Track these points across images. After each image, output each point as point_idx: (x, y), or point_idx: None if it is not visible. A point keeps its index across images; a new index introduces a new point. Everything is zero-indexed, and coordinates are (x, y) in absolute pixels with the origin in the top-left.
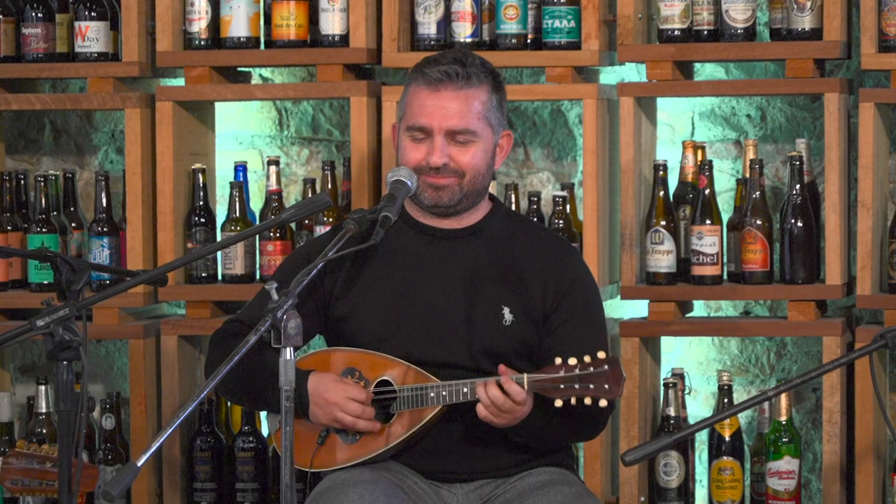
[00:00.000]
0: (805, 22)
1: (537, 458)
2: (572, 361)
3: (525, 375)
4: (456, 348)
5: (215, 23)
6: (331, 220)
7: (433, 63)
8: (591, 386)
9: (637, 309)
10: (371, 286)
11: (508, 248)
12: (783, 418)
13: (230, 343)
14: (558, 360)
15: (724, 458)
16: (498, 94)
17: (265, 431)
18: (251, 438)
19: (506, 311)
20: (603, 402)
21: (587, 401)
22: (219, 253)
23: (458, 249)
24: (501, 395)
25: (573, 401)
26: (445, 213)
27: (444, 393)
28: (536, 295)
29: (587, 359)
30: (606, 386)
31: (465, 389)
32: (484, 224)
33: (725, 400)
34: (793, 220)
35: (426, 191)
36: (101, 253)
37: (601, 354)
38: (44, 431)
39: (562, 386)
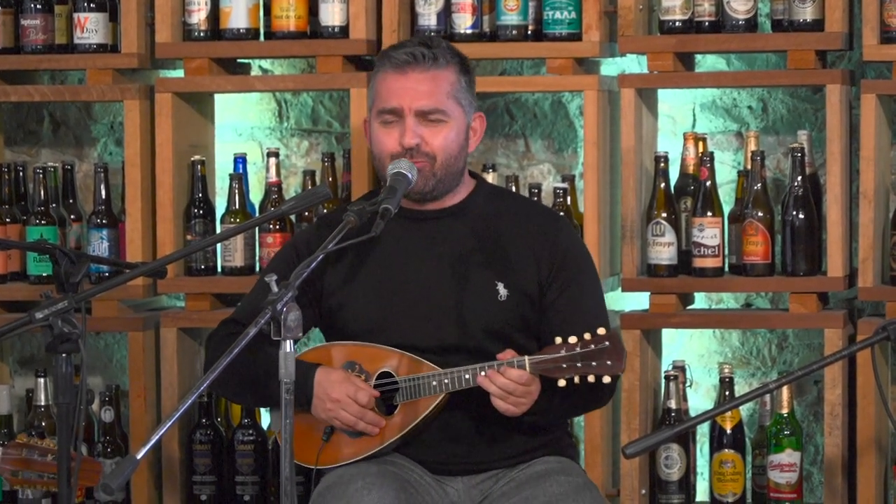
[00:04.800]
0: (807, 13)
1: (538, 448)
2: (572, 340)
3: (526, 358)
4: (452, 330)
5: (215, 14)
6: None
7: (399, 47)
8: (594, 363)
9: (638, 301)
10: (360, 275)
11: (496, 224)
12: (785, 411)
13: (229, 344)
14: (558, 340)
15: (726, 450)
16: (466, 77)
17: (265, 424)
18: (251, 431)
19: (500, 286)
20: (606, 379)
21: (590, 378)
22: (218, 245)
23: (443, 230)
24: (511, 382)
25: (577, 379)
26: (422, 198)
27: (445, 381)
28: (530, 269)
29: (587, 336)
30: (609, 362)
31: (467, 376)
32: (468, 202)
33: (727, 392)
34: (794, 212)
35: None
36: (100, 245)
37: (601, 331)
38: (43, 424)
39: (564, 365)
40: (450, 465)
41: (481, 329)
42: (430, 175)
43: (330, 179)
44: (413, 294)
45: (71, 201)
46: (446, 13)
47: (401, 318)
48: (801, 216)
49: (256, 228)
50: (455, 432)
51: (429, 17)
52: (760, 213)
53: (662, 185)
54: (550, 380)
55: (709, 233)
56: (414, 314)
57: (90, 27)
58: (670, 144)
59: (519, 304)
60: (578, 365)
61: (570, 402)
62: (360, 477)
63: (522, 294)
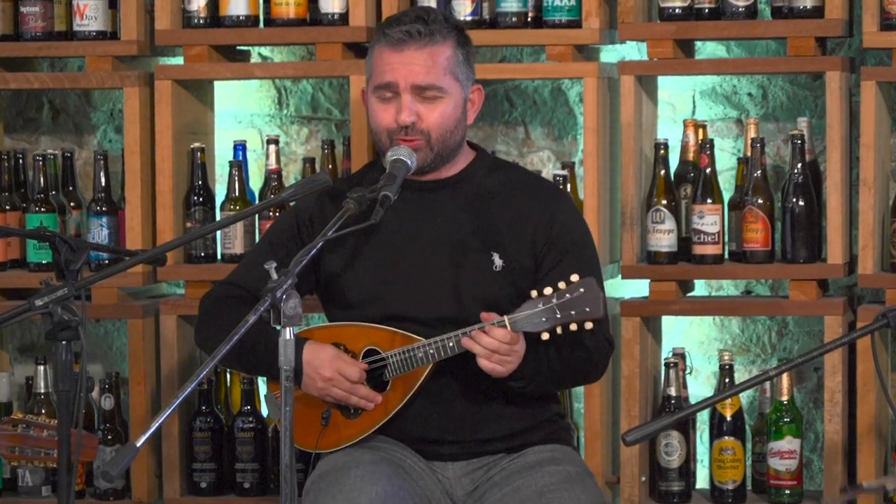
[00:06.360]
0: (806, 0)
1: (532, 429)
2: (547, 291)
3: (506, 317)
4: (447, 301)
5: (214, 1)
6: None
7: (395, 24)
8: (572, 312)
9: (638, 288)
10: (358, 244)
11: (494, 195)
12: (784, 398)
13: (223, 305)
14: (534, 293)
15: (726, 438)
16: (464, 49)
17: (265, 412)
18: (251, 419)
19: (495, 256)
20: (588, 325)
21: (573, 326)
22: (218, 232)
23: (441, 201)
24: (494, 341)
25: (559, 330)
26: (420, 172)
27: (431, 351)
28: (526, 241)
29: (561, 285)
30: (587, 308)
31: (451, 343)
32: (466, 173)
33: (726, 380)
34: (794, 199)
35: None
36: (99, 232)
37: (574, 277)
38: (43, 411)
39: (544, 319)
40: (440, 444)
41: (476, 300)
42: (427, 151)
43: (330, 167)
44: (409, 265)
45: (70, 189)
46: (446, 0)
47: (396, 289)
48: (801, 203)
49: (256, 216)
50: (445, 407)
51: (428, 4)
52: (760, 201)
53: (662, 172)
54: (535, 343)
55: (709, 220)
56: (409, 285)
57: (90, 14)
58: (670, 131)
59: (514, 276)
60: (557, 316)
61: (558, 367)
62: (356, 464)
63: (518, 266)
